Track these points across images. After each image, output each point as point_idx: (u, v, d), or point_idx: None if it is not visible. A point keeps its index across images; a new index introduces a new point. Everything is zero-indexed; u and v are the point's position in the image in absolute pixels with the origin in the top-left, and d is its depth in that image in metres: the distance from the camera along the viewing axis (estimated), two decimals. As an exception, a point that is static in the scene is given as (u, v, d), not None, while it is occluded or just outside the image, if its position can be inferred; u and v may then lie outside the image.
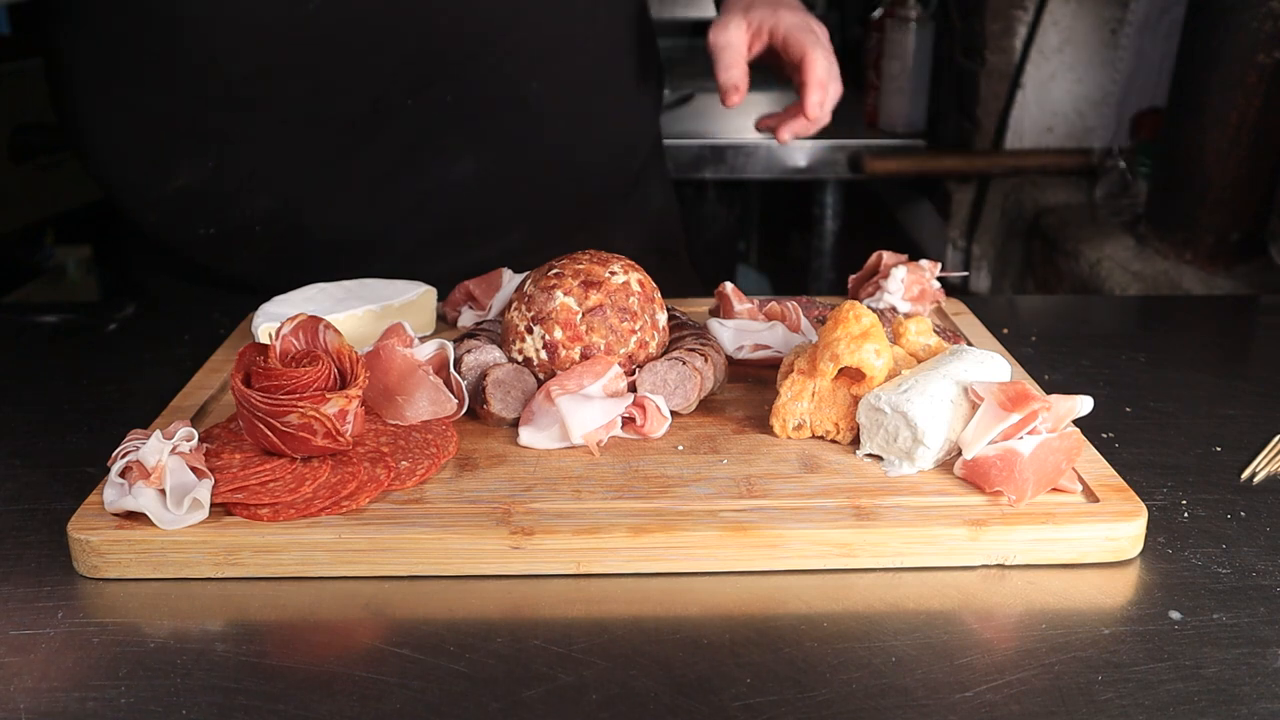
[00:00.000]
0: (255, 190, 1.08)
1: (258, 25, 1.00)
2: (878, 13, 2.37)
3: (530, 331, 0.82)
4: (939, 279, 1.02)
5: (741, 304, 0.96)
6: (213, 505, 0.68)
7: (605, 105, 1.19)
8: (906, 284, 0.99)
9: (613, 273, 0.82)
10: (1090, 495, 0.71)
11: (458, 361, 0.82)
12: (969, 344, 0.92)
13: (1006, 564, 0.68)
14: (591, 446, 0.77)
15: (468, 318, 1.00)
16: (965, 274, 2.21)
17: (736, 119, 2.42)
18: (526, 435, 0.78)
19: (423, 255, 1.14)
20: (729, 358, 0.89)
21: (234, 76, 1.02)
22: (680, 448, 0.78)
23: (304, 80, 1.03)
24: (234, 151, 1.06)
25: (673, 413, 0.81)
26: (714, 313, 0.99)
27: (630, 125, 1.24)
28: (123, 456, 0.69)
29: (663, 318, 0.86)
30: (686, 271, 1.39)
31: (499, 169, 1.13)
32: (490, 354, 0.83)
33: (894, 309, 0.98)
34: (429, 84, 1.06)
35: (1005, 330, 1.04)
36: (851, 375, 0.78)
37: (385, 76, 1.05)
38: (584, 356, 0.81)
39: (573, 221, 1.21)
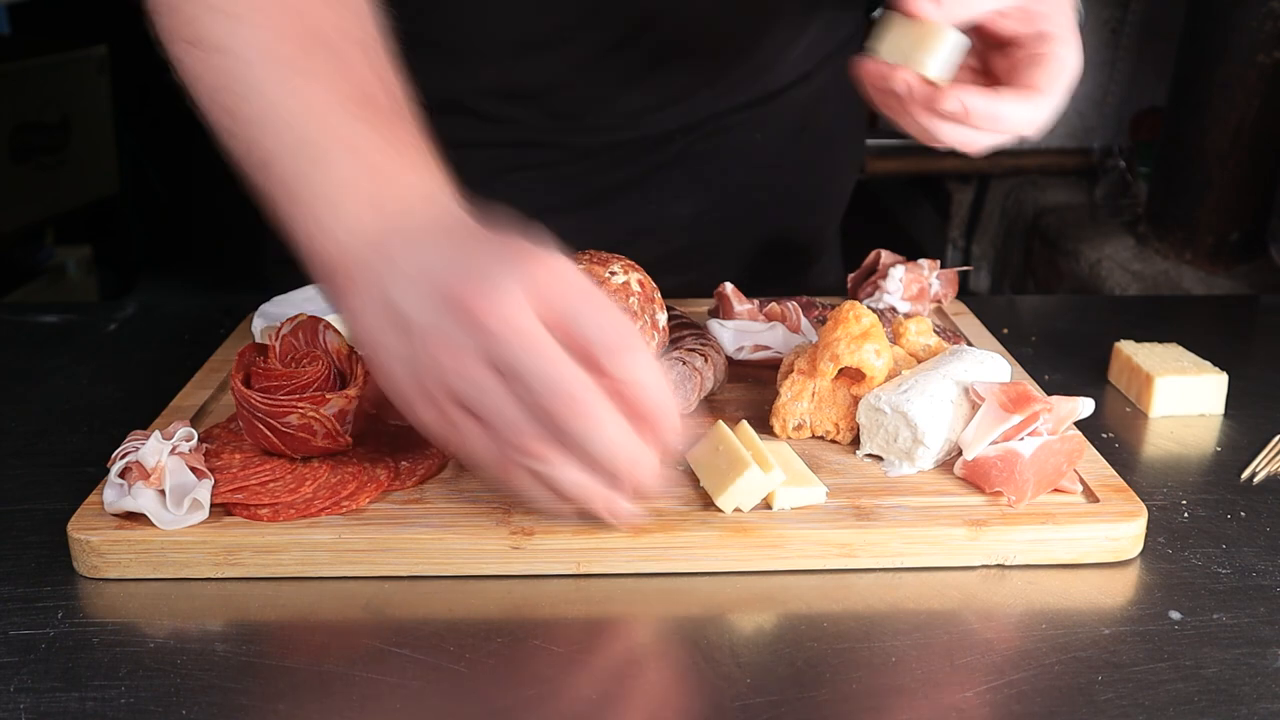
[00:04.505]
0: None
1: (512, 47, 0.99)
2: (878, 13, 2.37)
3: (530, 331, 0.82)
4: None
5: (741, 304, 0.96)
6: (213, 505, 0.68)
7: (822, 154, 1.18)
8: (905, 283, 0.99)
9: (612, 273, 0.82)
10: (1090, 495, 0.71)
11: (458, 361, 0.82)
12: (969, 344, 0.92)
13: (1006, 564, 0.68)
14: (591, 446, 0.76)
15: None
16: (969, 268, 2.21)
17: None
18: (526, 435, 0.78)
19: None
20: (729, 358, 0.88)
21: (487, 95, 1.02)
22: (680, 448, 0.78)
23: (549, 107, 1.03)
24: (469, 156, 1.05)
25: (673, 413, 0.81)
26: (714, 313, 0.99)
27: (841, 174, 1.24)
28: (122, 457, 0.69)
29: (663, 318, 0.85)
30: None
31: (713, 211, 1.13)
32: (490, 354, 0.83)
33: (894, 309, 0.98)
34: (664, 129, 1.06)
35: (1005, 330, 1.04)
36: (851, 375, 0.78)
37: (625, 117, 1.04)
38: (584, 356, 0.81)
39: (776, 261, 1.20)
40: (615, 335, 0.58)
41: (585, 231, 0.98)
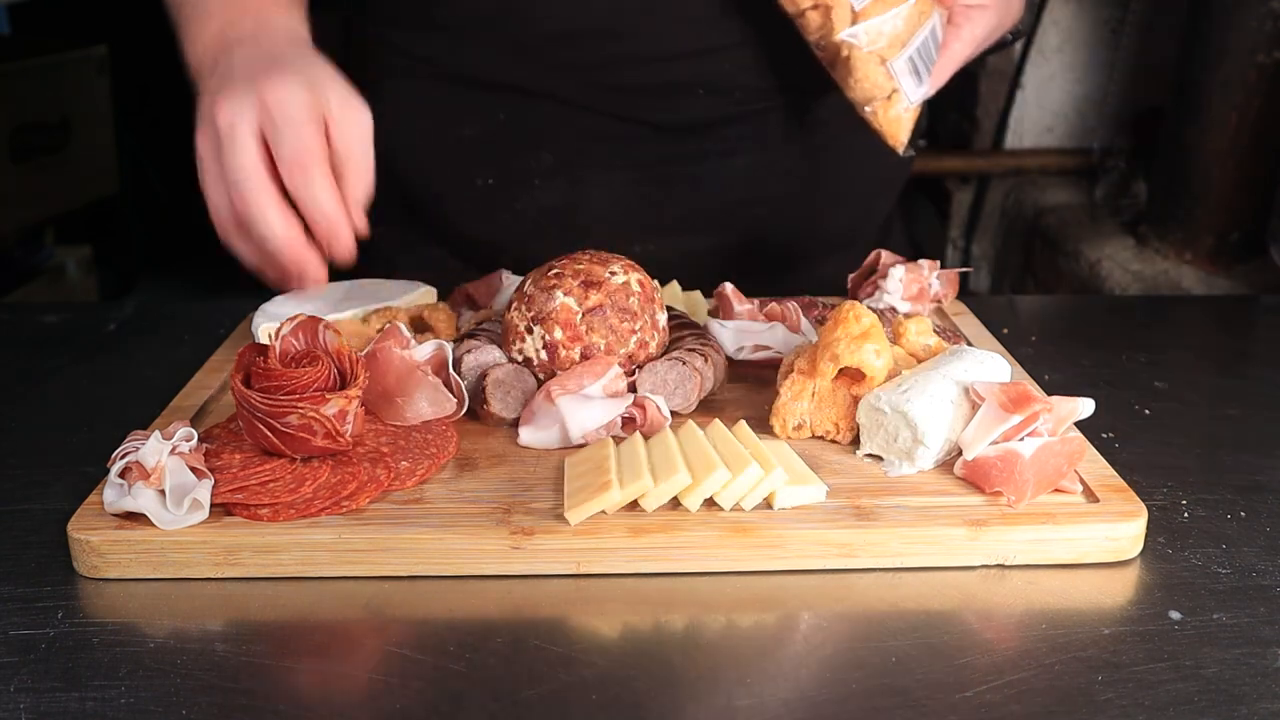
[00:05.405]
0: (537, 146, 1.11)
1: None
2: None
3: (530, 331, 0.82)
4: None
5: (741, 304, 0.96)
6: (213, 505, 0.68)
7: (859, 153, 1.17)
8: (905, 284, 0.99)
9: (613, 273, 0.82)
10: (1090, 495, 0.71)
11: (457, 362, 0.82)
12: (969, 344, 0.92)
13: (1006, 564, 0.68)
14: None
15: (468, 318, 1.00)
16: (969, 269, 2.21)
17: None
18: (526, 435, 0.78)
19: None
20: (729, 358, 0.88)
21: (537, 33, 1.05)
22: (680, 448, 0.77)
23: (595, 75, 1.06)
24: (523, 110, 1.07)
25: (673, 413, 0.81)
26: (714, 313, 0.99)
27: (881, 173, 1.24)
28: (122, 457, 0.69)
29: (663, 318, 0.86)
30: None
31: (764, 186, 1.15)
32: (490, 354, 0.83)
33: (894, 309, 0.98)
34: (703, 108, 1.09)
35: (1005, 330, 1.04)
36: (851, 375, 0.78)
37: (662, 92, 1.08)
38: (584, 356, 0.81)
39: (810, 258, 1.21)
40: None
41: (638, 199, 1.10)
